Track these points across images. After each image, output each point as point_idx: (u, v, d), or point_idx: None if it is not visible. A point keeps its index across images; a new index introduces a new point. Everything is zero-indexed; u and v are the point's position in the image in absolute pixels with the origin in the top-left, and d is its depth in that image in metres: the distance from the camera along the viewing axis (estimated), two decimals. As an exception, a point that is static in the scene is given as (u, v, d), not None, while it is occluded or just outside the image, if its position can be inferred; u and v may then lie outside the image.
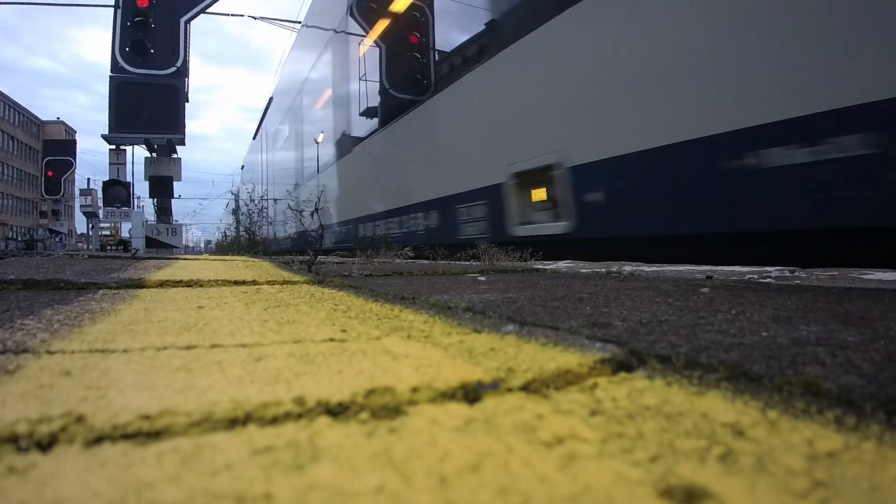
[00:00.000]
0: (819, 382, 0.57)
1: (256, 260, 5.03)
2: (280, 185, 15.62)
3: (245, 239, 12.93)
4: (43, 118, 55.82)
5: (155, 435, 0.44)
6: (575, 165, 3.94)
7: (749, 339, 0.82)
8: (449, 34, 6.34)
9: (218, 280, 2.00)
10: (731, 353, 0.72)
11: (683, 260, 3.30)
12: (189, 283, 1.91)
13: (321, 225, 3.42)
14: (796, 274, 2.17)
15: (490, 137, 5.06)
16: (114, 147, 9.81)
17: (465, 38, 5.99)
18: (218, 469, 0.38)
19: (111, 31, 8.84)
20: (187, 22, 9.19)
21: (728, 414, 0.50)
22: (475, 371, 0.64)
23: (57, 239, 33.23)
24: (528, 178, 4.52)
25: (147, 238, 9.87)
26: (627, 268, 2.76)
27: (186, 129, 9.61)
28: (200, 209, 56.62)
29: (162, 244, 9.96)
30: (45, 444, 0.42)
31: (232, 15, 10.61)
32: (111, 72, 8.89)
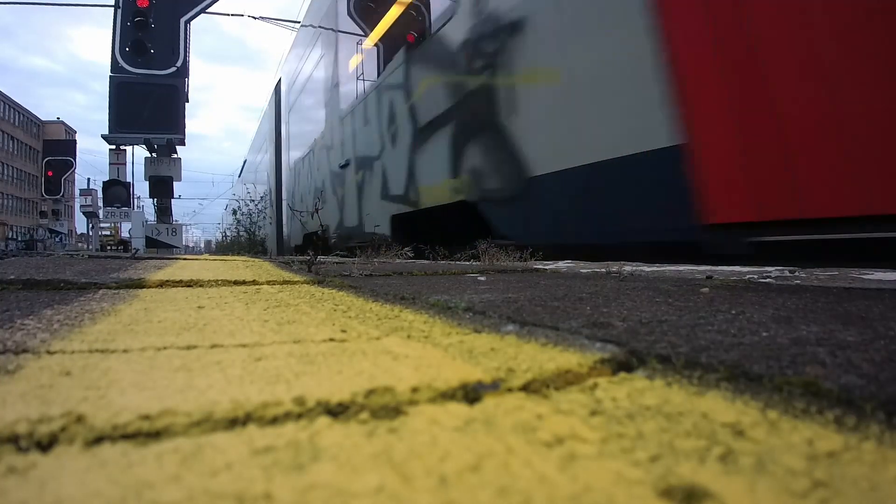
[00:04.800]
0: (819, 382, 0.57)
1: (256, 260, 5.03)
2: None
3: (245, 239, 12.94)
4: (41, 117, 55.81)
5: (155, 435, 0.44)
6: None
7: (749, 339, 0.82)
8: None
9: (218, 280, 2.00)
10: (731, 353, 0.72)
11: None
12: (189, 284, 1.91)
13: (321, 225, 3.42)
14: (796, 274, 2.17)
15: None
16: (114, 147, 9.82)
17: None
18: (218, 469, 0.38)
19: (110, 30, 8.84)
20: (187, 22, 9.19)
21: (728, 414, 0.50)
22: (475, 371, 0.64)
23: (57, 239, 33.27)
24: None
25: (147, 238, 9.88)
26: (627, 268, 2.76)
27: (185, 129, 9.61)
28: (200, 209, 56.57)
29: (162, 244, 9.96)
30: (45, 444, 0.42)
31: (232, 15, 10.59)
32: (111, 72, 8.90)
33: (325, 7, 8.86)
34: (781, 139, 2.42)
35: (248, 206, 13.44)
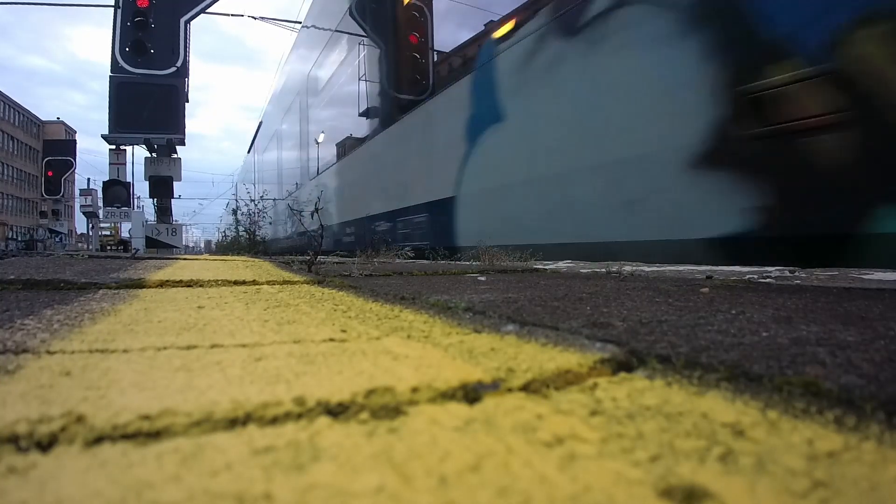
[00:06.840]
0: (819, 382, 0.57)
1: (256, 260, 5.03)
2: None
3: (245, 239, 12.94)
4: (41, 117, 55.79)
5: (155, 435, 0.44)
6: None
7: (749, 339, 0.82)
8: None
9: (218, 280, 2.00)
10: (731, 353, 0.72)
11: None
12: (189, 284, 1.91)
13: (321, 225, 3.42)
14: (796, 274, 2.17)
15: None
16: (114, 147, 9.81)
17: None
18: (218, 469, 0.38)
19: (109, 30, 8.84)
20: (187, 22, 9.18)
21: (728, 414, 0.50)
22: (475, 371, 0.64)
23: (57, 239, 33.25)
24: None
25: (147, 238, 9.87)
26: (627, 268, 2.76)
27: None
28: (200, 209, 56.47)
29: (162, 244, 9.96)
30: (45, 444, 0.42)
31: (232, 15, 10.58)
32: (111, 72, 8.89)
33: None
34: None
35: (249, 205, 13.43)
